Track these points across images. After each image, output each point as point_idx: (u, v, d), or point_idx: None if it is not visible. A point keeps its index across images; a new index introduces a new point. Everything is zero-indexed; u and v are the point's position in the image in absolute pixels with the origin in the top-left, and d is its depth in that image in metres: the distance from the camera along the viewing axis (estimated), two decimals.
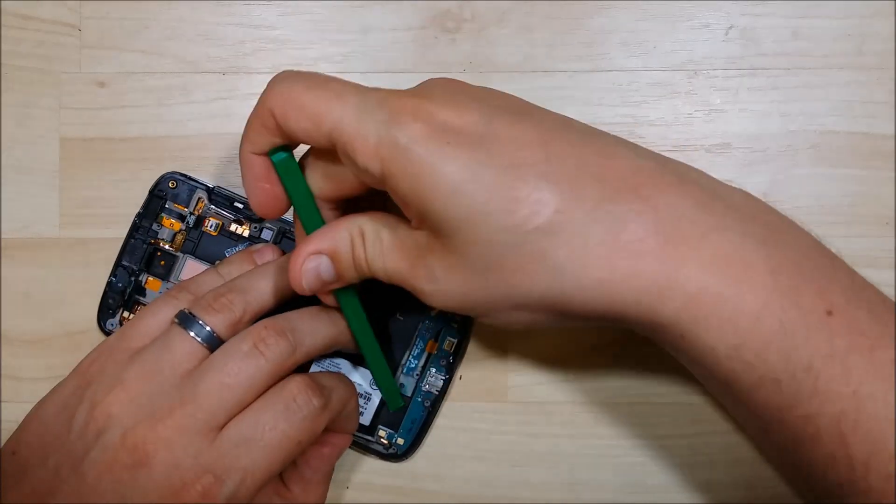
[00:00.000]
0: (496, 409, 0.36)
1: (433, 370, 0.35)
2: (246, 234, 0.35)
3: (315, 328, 0.31)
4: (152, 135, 0.36)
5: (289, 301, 0.32)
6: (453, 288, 0.26)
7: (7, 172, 0.36)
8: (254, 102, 0.37)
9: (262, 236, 0.35)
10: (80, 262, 0.36)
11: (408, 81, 0.36)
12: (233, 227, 0.35)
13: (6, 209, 0.36)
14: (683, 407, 0.36)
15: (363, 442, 0.35)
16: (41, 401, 0.30)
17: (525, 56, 0.36)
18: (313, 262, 0.28)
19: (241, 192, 0.34)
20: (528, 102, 0.28)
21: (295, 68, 0.36)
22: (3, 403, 0.36)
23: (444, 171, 0.24)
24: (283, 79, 0.28)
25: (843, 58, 0.36)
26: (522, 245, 0.24)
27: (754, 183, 0.36)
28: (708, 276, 0.24)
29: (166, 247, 0.35)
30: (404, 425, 0.35)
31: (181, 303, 0.31)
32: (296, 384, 0.29)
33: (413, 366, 0.35)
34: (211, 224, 0.35)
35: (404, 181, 0.25)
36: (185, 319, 0.30)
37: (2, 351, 0.36)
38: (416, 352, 0.35)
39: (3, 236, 0.36)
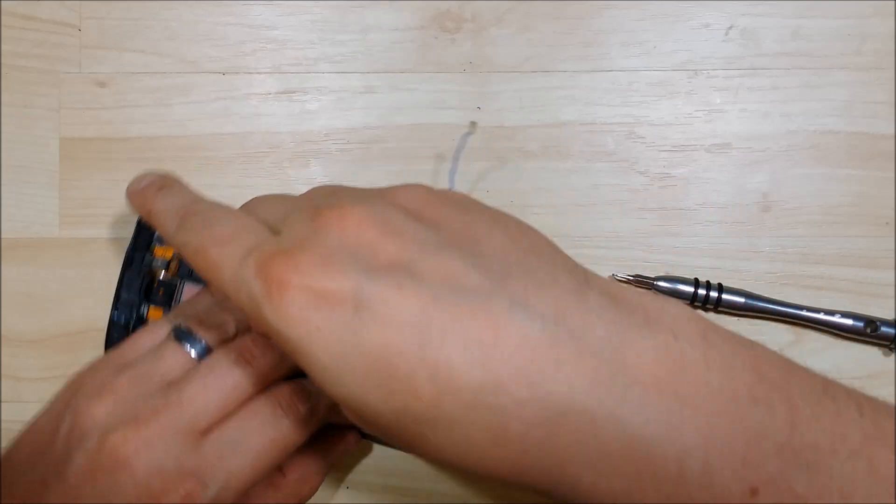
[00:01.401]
0: None
1: None
2: None
3: None
4: (152, 135, 0.36)
5: None
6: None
7: (7, 172, 0.36)
8: (253, 102, 0.37)
9: None
10: (80, 262, 0.36)
11: (408, 81, 0.36)
12: None
13: (6, 209, 0.36)
14: None
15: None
16: (39, 411, 0.30)
17: (525, 56, 0.36)
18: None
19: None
20: (425, 230, 0.23)
21: (295, 68, 0.36)
22: (3, 403, 0.36)
23: (316, 356, 0.22)
24: (193, 220, 0.26)
25: (843, 58, 0.36)
26: (407, 430, 0.22)
27: (754, 183, 0.36)
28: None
29: (161, 275, 0.35)
30: None
31: (177, 322, 0.31)
32: (282, 391, 0.29)
33: None
34: None
35: (290, 354, 0.23)
36: (180, 334, 0.30)
37: (2, 351, 0.36)
38: None
39: (3, 236, 0.36)
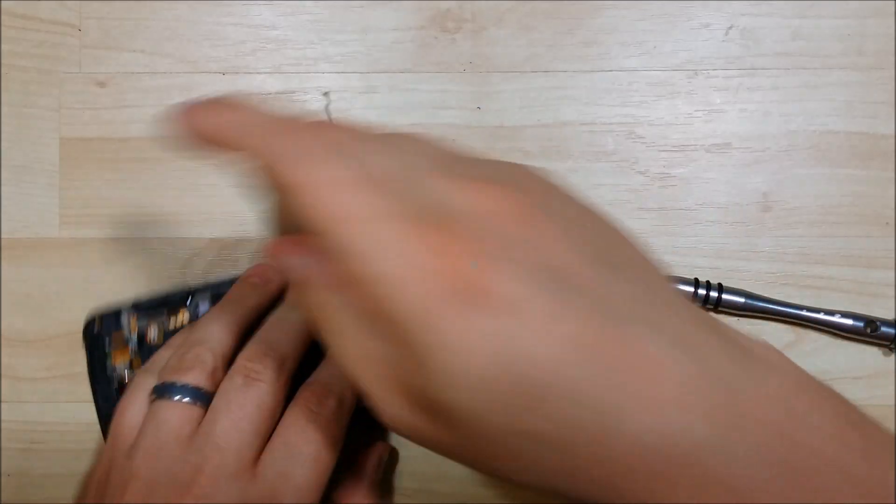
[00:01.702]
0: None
1: None
2: (187, 320, 0.34)
3: (287, 331, 0.30)
4: (152, 135, 0.36)
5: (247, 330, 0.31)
6: None
7: (7, 172, 0.36)
8: (253, 102, 0.37)
9: (200, 311, 0.34)
10: (80, 262, 0.36)
11: (408, 81, 0.36)
12: (171, 324, 0.34)
13: (6, 209, 0.36)
14: None
15: None
16: None
17: (525, 56, 0.36)
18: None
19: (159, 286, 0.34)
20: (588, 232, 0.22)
21: (295, 68, 0.36)
22: (3, 403, 0.36)
23: (459, 363, 0.18)
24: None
25: (843, 58, 0.36)
26: (514, 449, 0.20)
27: (754, 183, 0.36)
28: None
29: (128, 376, 0.34)
30: None
31: (150, 382, 0.29)
32: (305, 396, 0.29)
33: None
34: (153, 334, 0.34)
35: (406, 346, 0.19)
36: (163, 390, 0.28)
37: (2, 351, 0.36)
38: None
39: (3, 236, 0.36)
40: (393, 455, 0.35)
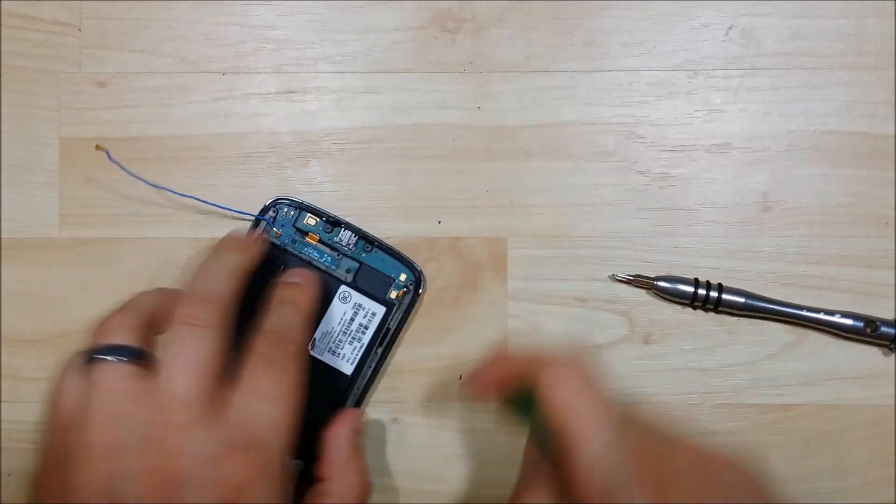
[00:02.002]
0: (496, 409, 0.36)
1: None
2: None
3: (220, 274, 0.30)
4: (152, 135, 0.36)
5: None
6: None
7: (7, 172, 0.36)
8: (253, 102, 0.37)
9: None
10: (80, 262, 0.36)
11: (408, 81, 0.36)
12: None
13: (6, 209, 0.36)
14: (684, 407, 0.36)
15: None
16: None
17: (525, 56, 0.36)
18: None
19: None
20: None
21: (295, 68, 0.36)
22: (3, 403, 0.36)
23: None
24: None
25: (843, 58, 0.36)
26: None
27: (754, 183, 0.36)
28: None
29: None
30: None
31: (78, 353, 0.28)
32: (263, 342, 0.29)
33: None
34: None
35: None
36: (93, 354, 0.27)
37: (2, 351, 0.36)
38: None
39: (3, 236, 0.36)
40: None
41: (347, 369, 0.34)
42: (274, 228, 0.35)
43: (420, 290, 0.35)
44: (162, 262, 0.36)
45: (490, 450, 0.36)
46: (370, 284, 0.35)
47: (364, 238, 0.35)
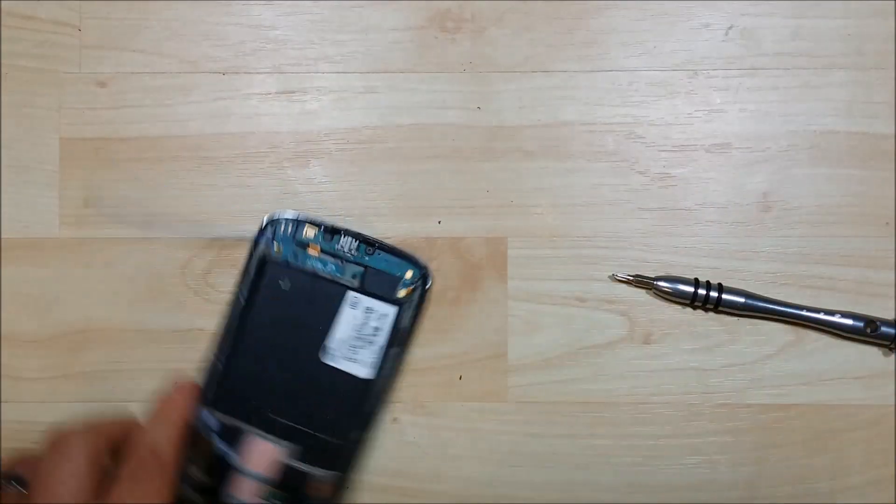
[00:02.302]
0: (496, 409, 0.36)
1: None
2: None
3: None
4: (152, 135, 0.36)
5: None
6: None
7: (7, 172, 0.36)
8: (253, 102, 0.37)
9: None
10: (80, 262, 0.36)
11: (408, 81, 0.36)
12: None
13: (6, 209, 0.36)
14: (683, 407, 0.36)
15: None
16: None
17: (525, 56, 0.36)
18: None
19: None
20: None
21: (295, 68, 0.37)
22: (3, 403, 0.36)
23: None
24: None
25: (843, 58, 0.36)
26: None
27: (754, 183, 0.36)
28: None
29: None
30: None
31: None
32: (132, 459, 0.30)
33: None
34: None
35: None
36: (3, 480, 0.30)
37: (2, 351, 0.36)
38: None
39: (3, 236, 0.36)
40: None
41: (366, 374, 0.34)
42: (274, 244, 0.35)
43: (427, 286, 0.35)
44: (162, 262, 0.36)
45: (490, 450, 0.36)
46: (378, 286, 0.34)
47: (365, 241, 0.35)
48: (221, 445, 0.34)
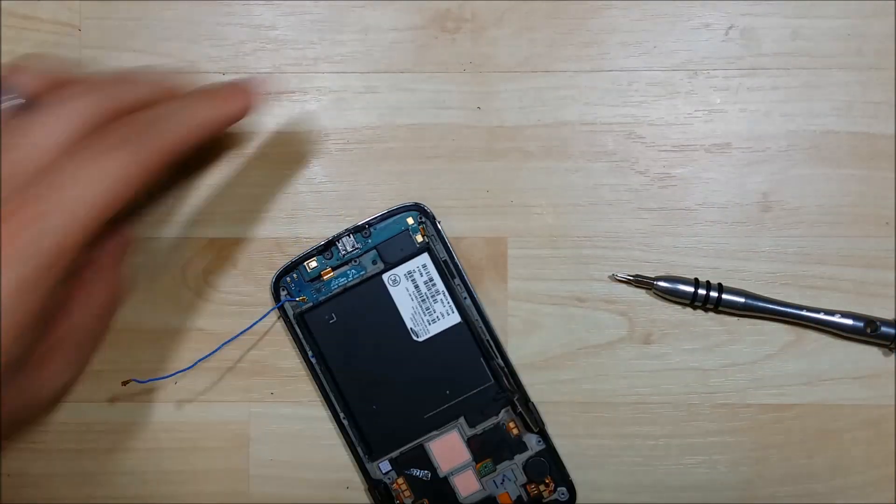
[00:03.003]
0: None
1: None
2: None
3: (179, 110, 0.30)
4: None
5: None
6: None
7: None
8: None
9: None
10: None
11: (408, 81, 0.36)
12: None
13: None
14: (683, 407, 0.36)
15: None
16: None
17: (525, 56, 0.36)
18: None
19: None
20: None
21: (295, 68, 0.37)
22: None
23: None
24: None
25: (843, 58, 0.36)
26: None
27: (754, 183, 0.36)
28: None
29: None
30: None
31: None
32: (120, 121, 0.28)
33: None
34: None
35: None
36: None
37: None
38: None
39: None
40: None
41: (456, 317, 0.35)
42: (297, 299, 0.35)
43: (435, 218, 0.35)
44: (161, 262, 0.36)
45: None
46: (397, 251, 0.35)
47: (358, 231, 0.35)
48: (418, 473, 0.34)
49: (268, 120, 0.36)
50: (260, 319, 0.35)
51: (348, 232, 0.35)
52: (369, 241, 0.35)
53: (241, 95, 0.31)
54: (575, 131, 0.36)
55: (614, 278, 0.36)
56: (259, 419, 0.36)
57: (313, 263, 0.35)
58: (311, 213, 0.36)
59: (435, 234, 0.35)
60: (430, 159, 0.36)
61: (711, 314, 0.36)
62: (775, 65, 0.36)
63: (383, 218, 0.35)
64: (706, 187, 0.36)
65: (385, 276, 0.35)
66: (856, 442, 0.35)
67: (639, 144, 0.36)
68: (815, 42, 0.36)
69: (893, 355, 0.35)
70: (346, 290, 0.35)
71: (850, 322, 0.35)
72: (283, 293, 0.35)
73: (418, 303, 0.34)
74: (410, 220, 0.35)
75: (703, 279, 0.35)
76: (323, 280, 0.35)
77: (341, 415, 0.34)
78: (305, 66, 0.37)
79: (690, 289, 0.35)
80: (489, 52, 0.36)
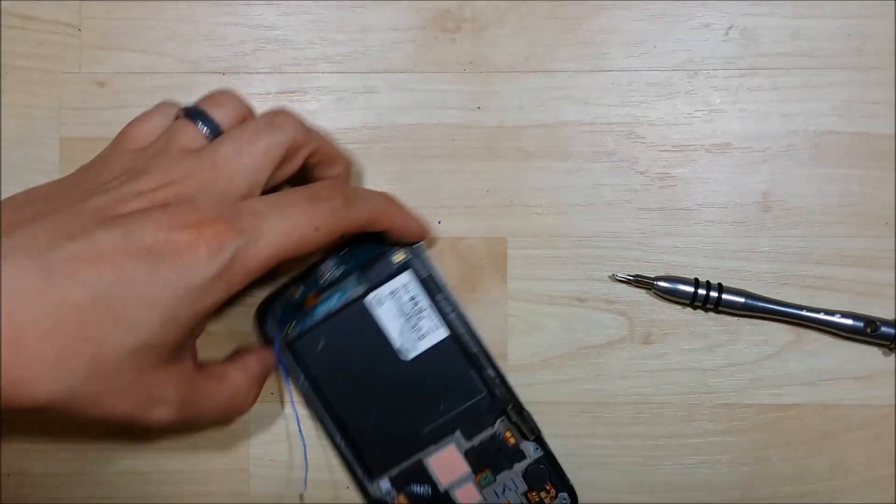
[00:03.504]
0: None
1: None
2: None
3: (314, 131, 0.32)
4: None
5: None
6: None
7: (7, 172, 0.36)
8: (253, 102, 0.37)
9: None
10: None
11: (408, 81, 0.36)
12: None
13: None
14: (683, 407, 0.36)
15: None
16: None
17: (525, 56, 0.36)
18: None
19: None
20: None
21: (295, 68, 0.37)
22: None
23: None
24: None
25: (843, 58, 0.36)
26: None
27: (754, 183, 0.36)
28: None
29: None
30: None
31: (176, 108, 0.31)
32: (322, 182, 0.31)
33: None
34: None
35: None
36: (191, 112, 0.30)
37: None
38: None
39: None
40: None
41: (443, 332, 0.34)
42: (285, 328, 0.34)
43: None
44: None
45: None
46: (379, 271, 0.34)
47: (335, 254, 0.35)
48: (418, 489, 0.34)
49: None
50: (283, 372, 0.35)
51: (327, 255, 0.35)
52: (349, 263, 0.34)
53: (422, 227, 0.34)
54: (575, 131, 0.36)
55: (614, 278, 0.36)
56: (259, 419, 0.36)
57: (296, 292, 0.34)
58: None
59: (416, 250, 0.34)
60: (430, 159, 0.36)
61: (711, 314, 0.36)
62: (775, 65, 0.36)
63: (360, 238, 0.34)
64: (706, 187, 0.36)
65: (368, 298, 0.34)
66: (856, 442, 0.35)
67: (639, 144, 0.36)
68: (815, 42, 0.36)
69: (893, 355, 0.35)
70: (330, 315, 0.34)
71: (850, 322, 0.35)
72: (269, 322, 0.34)
73: (404, 321, 0.34)
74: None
75: (703, 279, 0.35)
76: (308, 306, 0.34)
77: (337, 437, 0.34)
78: (305, 66, 0.37)
79: (690, 289, 0.35)
80: (489, 52, 0.36)
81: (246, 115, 0.31)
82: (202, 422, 0.32)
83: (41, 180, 0.36)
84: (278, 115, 0.30)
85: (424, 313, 0.34)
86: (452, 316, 0.34)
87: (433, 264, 0.35)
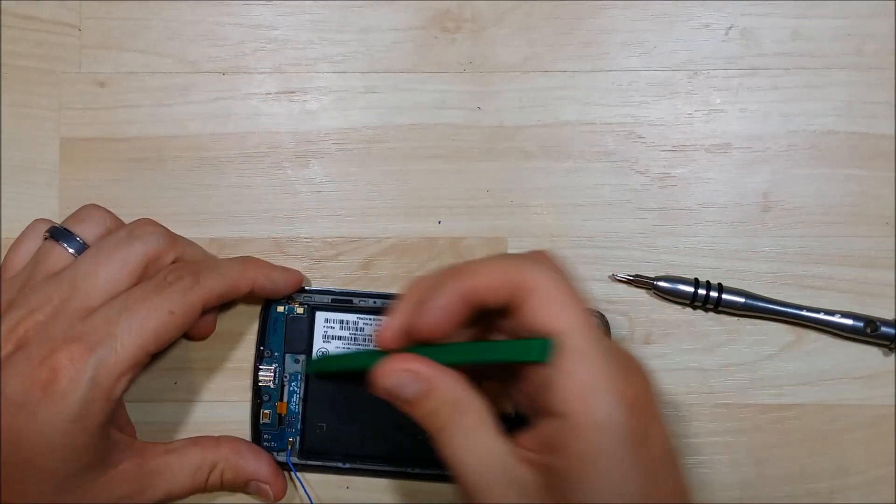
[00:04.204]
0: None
1: None
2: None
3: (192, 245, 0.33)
4: (152, 135, 0.36)
5: None
6: None
7: (7, 172, 0.36)
8: (253, 102, 0.37)
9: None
10: None
11: (408, 81, 0.36)
12: None
13: (6, 209, 0.36)
14: (684, 407, 0.36)
15: None
16: None
17: (525, 56, 0.36)
18: (402, 377, 0.26)
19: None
20: None
21: (295, 68, 0.37)
22: None
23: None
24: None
25: (843, 58, 0.36)
26: None
27: (754, 183, 0.36)
28: None
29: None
30: None
31: (46, 225, 0.32)
32: (170, 266, 0.31)
33: None
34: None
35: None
36: (56, 233, 0.31)
37: None
38: None
39: (3, 236, 0.36)
40: None
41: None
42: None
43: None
44: None
45: None
46: (299, 336, 0.35)
47: (257, 352, 0.35)
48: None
49: (268, 120, 0.36)
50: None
51: (256, 356, 0.35)
52: (270, 344, 0.35)
53: (292, 277, 0.34)
54: (575, 131, 0.36)
55: (614, 278, 0.36)
56: None
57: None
58: (311, 213, 0.36)
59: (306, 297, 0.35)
60: (430, 159, 0.36)
61: (711, 314, 0.36)
62: (775, 65, 0.36)
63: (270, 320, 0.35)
64: (706, 187, 0.36)
65: (312, 360, 0.34)
66: (856, 442, 0.35)
67: (639, 144, 0.36)
68: (815, 42, 0.36)
69: (893, 355, 0.35)
70: (303, 400, 0.34)
71: (850, 322, 0.35)
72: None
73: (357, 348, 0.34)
74: (280, 308, 0.35)
75: (703, 279, 0.35)
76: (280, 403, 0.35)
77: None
78: (305, 66, 0.37)
79: (690, 289, 0.35)
80: (489, 52, 0.36)
81: (112, 228, 0.32)
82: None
83: (41, 180, 0.36)
84: (138, 226, 0.31)
85: (366, 331, 0.35)
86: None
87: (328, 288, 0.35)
